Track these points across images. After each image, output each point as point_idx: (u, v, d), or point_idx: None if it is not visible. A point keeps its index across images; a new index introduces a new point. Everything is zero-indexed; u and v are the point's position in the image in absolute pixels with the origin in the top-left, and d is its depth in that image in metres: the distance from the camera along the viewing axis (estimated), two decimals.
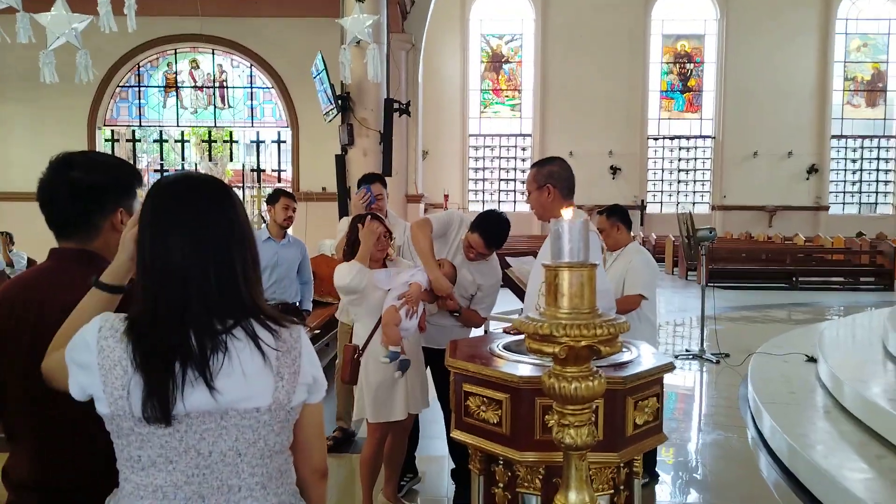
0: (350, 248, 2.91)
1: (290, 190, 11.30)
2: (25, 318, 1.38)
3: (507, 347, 2.25)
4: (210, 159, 13.41)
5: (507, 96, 21.25)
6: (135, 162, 12.63)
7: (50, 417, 1.36)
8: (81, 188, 1.42)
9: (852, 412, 4.02)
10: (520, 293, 3.46)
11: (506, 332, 2.65)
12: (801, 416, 4.27)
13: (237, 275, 1.15)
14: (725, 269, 13.01)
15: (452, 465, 3.36)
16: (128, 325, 1.09)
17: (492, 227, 3.10)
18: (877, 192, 20.42)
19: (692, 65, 20.80)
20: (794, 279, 13.37)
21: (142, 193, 1.47)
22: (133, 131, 12.45)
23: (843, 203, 20.37)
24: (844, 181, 20.37)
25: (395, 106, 8.36)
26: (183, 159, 13.16)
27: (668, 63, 20.84)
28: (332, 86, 8.00)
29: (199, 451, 1.10)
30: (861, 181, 20.41)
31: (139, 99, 12.05)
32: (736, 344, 6.95)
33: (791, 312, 10.26)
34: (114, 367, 1.07)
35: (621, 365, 2.01)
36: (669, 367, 2.10)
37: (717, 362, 6.33)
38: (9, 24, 6.14)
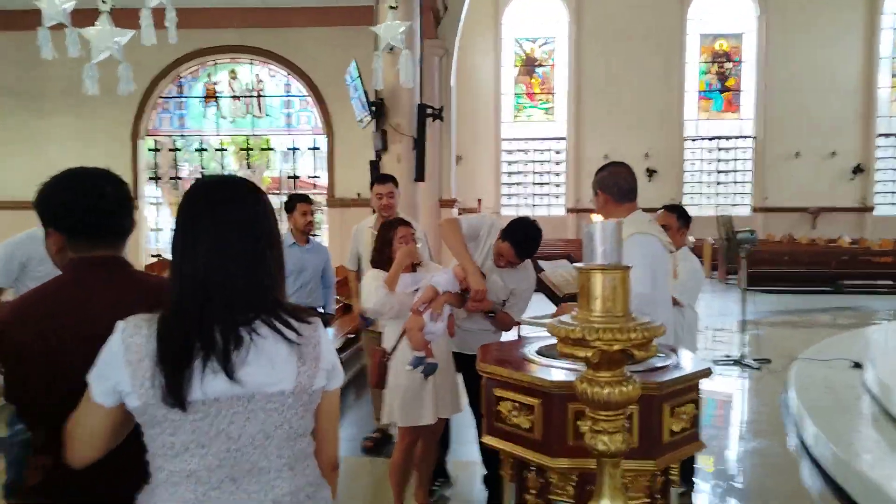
0: (379, 255, 2.94)
1: (316, 194, 11.54)
2: (54, 327, 1.41)
3: (539, 352, 2.24)
4: (249, 167, 13.70)
5: (540, 100, 21.14)
6: (176, 170, 12.98)
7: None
8: (119, 198, 1.53)
9: None
10: (554, 298, 3.43)
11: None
12: (846, 424, 4.14)
13: (261, 273, 1.21)
14: (767, 272, 12.68)
15: (484, 471, 3.35)
16: (158, 320, 1.16)
17: (522, 237, 3.07)
18: None
19: (731, 64, 20.37)
20: (838, 283, 12.95)
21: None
22: (174, 141, 12.79)
23: (892, 203, 19.64)
24: (892, 181, 19.64)
25: (429, 111, 8.40)
26: (223, 167, 13.45)
27: (705, 63, 20.45)
28: (365, 92, 8.08)
29: (229, 435, 1.15)
30: None
31: (180, 109, 12.36)
32: (778, 349, 6.77)
33: (835, 317, 9.95)
34: (141, 361, 1.14)
35: (657, 370, 1.98)
36: (707, 373, 2.06)
37: (759, 368, 6.17)
38: (56, 39, 6.37)
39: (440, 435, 3.14)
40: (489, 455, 3.24)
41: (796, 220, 19.34)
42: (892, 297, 12.30)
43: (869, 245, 15.57)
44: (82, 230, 1.51)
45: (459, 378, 3.16)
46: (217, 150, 13.45)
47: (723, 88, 20.46)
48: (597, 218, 1.50)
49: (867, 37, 19.09)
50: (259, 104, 12.33)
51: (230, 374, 1.14)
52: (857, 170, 19.19)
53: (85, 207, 1.49)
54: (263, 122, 12.46)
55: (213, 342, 1.14)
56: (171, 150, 12.86)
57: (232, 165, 13.88)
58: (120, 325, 1.19)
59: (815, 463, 3.94)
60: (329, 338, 1.30)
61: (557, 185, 20.86)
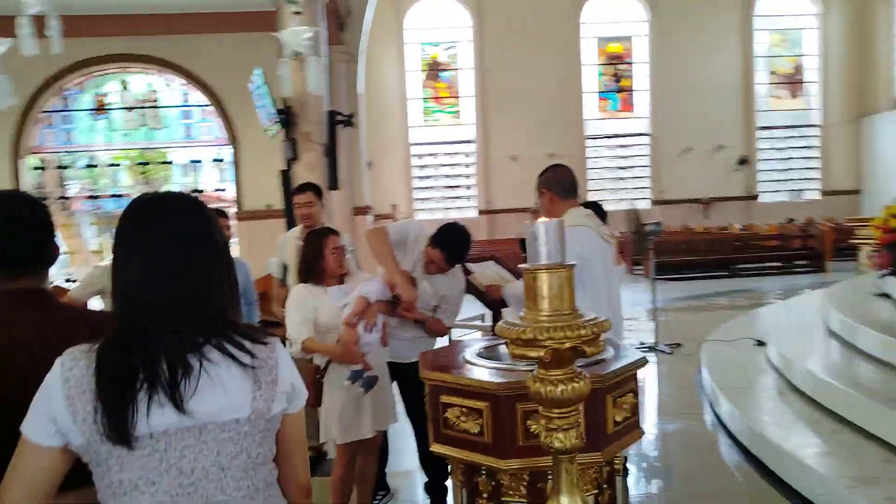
0: (308, 267, 2.82)
1: (224, 208, 11.05)
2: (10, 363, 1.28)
3: (480, 355, 2.24)
4: (146, 182, 12.95)
5: (447, 104, 21.37)
6: (63, 189, 12.07)
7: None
8: (40, 224, 1.41)
9: (804, 391, 4.19)
10: (484, 299, 3.45)
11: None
12: (757, 399, 4.43)
13: (209, 293, 1.13)
14: (668, 261, 13.41)
15: (426, 479, 3.32)
16: (97, 348, 1.08)
17: (452, 243, 3.08)
18: (803, 180, 21.48)
19: (624, 66, 21.42)
20: (732, 267, 13.91)
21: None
22: (61, 157, 11.89)
23: (773, 191, 21.34)
24: (773, 170, 21.35)
25: (339, 118, 8.28)
26: (118, 183, 12.65)
27: (601, 65, 21.39)
28: (273, 101, 7.85)
29: (180, 470, 1.08)
30: (789, 169, 21.43)
31: (66, 123, 11.52)
32: (686, 333, 7.16)
33: (733, 299, 10.66)
34: (82, 394, 1.05)
35: (598, 363, 2.02)
36: (643, 363, 2.13)
37: (671, 352, 6.50)
38: None
39: (379, 447, 3.08)
40: (430, 463, 3.21)
41: (690, 211, 20.61)
42: (781, 277, 13.34)
43: (757, 231, 16.81)
44: (3, 261, 1.38)
45: (394, 387, 3.11)
46: (109, 165, 12.64)
47: (618, 89, 21.49)
48: (541, 218, 1.51)
49: (744, 37, 20.65)
50: (155, 115, 11.71)
51: (178, 405, 1.06)
52: (742, 161, 20.70)
53: (1, 235, 1.36)
54: (161, 135, 11.85)
55: (158, 371, 1.06)
56: (57, 167, 11.96)
57: (126, 181, 13.06)
58: (57, 360, 1.09)
59: (731, 437, 4.18)
60: (288, 358, 1.22)
61: (468, 188, 21.15)
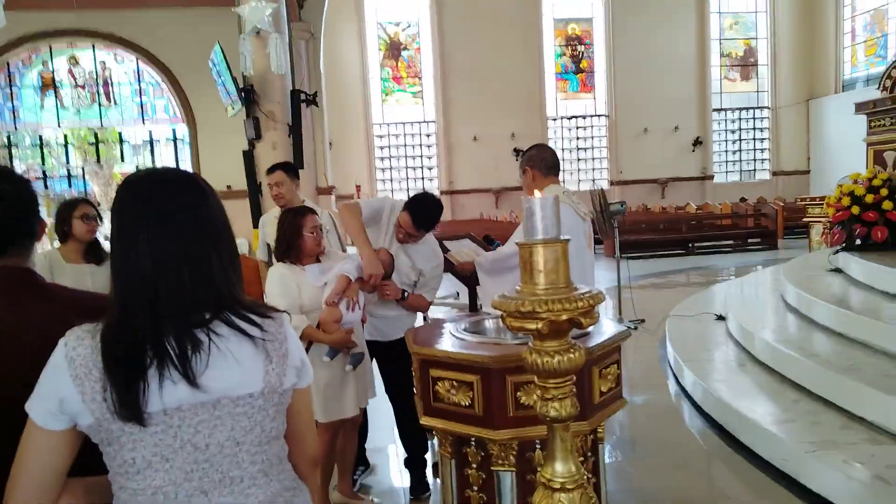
0: (287, 246, 2.77)
1: None
2: None
3: (466, 329, 2.27)
4: (98, 161, 12.50)
5: (408, 83, 21.19)
6: (11, 168, 11.55)
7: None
8: (20, 198, 1.34)
9: (765, 362, 4.37)
10: (461, 277, 3.48)
11: None
12: (719, 370, 4.60)
13: (212, 270, 1.13)
14: (629, 240, 13.70)
15: (405, 455, 3.35)
16: (102, 329, 1.06)
17: (421, 208, 3.09)
18: (755, 160, 22.15)
19: (583, 47, 21.58)
20: (689, 245, 14.30)
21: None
22: (7, 136, 11.36)
23: (727, 172, 21.95)
24: (726, 151, 21.95)
25: (302, 97, 8.14)
26: (67, 163, 12.17)
27: (560, 46, 21.51)
28: (233, 79, 7.65)
29: (195, 446, 1.07)
30: (741, 150, 22.05)
31: (12, 101, 11.00)
32: (648, 309, 7.35)
33: (690, 276, 10.98)
34: (90, 374, 1.03)
35: (584, 336, 2.08)
36: (627, 335, 2.20)
37: (636, 328, 6.68)
38: None
39: (360, 424, 3.09)
40: (410, 438, 3.25)
41: (648, 191, 21.05)
42: (735, 255, 13.79)
43: (712, 210, 17.29)
44: None
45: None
46: (59, 144, 12.15)
47: (577, 70, 21.66)
48: (537, 193, 1.53)
49: (699, 20, 21.04)
50: (107, 93, 11.28)
51: (191, 380, 1.05)
52: (697, 142, 21.21)
53: None
54: (113, 113, 11.43)
55: (167, 347, 1.05)
56: (3, 146, 11.43)
57: (74, 160, 12.58)
58: (61, 341, 1.07)
59: (696, 406, 4.34)
60: (294, 333, 1.22)
61: (430, 169, 21.10)
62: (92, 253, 3.27)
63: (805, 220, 9.77)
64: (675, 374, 5.06)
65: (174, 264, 1.09)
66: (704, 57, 21.15)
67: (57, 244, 3.29)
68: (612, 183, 21.04)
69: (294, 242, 2.74)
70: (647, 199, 20.43)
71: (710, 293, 7.84)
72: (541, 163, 3.00)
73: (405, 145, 21.03)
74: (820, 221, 8.85)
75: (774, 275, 6.78)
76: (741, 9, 21.64)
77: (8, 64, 10.79)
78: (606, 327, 2.22)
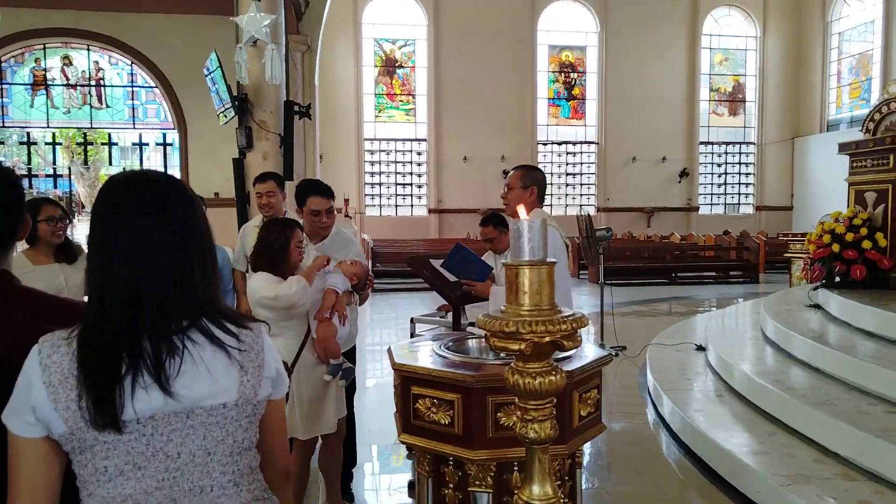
0: (273, 258, 2.70)
1: None
2: None
3: (449, 348, 2.27)
4: (85, 163, 12.40)
5: (401, 101, 21.32)
6: None
7: None
8: (10, 197, 1.28)
9: (743, 394, 4.41)
10: (446, 296, 3.50)
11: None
12: (697, 400, 4.63)
13: (193, 276, 1.12)
14: (613, 266, 13.80)
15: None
16: (78, 334, 1.05)
17: (306, 182, 3.26)
18: (739, 194, 22.49)
19: (576, 74, 21.89)
20: (672, 274, 14.43)
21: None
22: None
23: (711, 204, 22.25)
24: (711, 184, 22.26)
25: (296, 109, 8.16)
26: (54, 162, 12.06)
27: (554, 72, 21.80)
28: (228, 87, 7.66)
29: (167, 454, 1.07)
30: (726, 184, 22.39)
31: (1, 97, 10.92)
32: (630, 337, 7.39)
33: (672, 305, 11.07)
34: (65, 381, 1.02)
35: (565, 359, 2.09)
36: (608, 360, 2.21)
37: (616, 355, 6.70)
38: None
39: (344, 433, 3.05)
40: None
41: (634, 219, 21.25)
42: (717, 286, 13.93)
43: (696, 241, 17.48)
44: None
45: None
46: (47, 143, 12.05)
47: (569, 97, 21.94)
48: (523, 215, 1.55)
49: (689, 54, 21.45)
50: (99, 94, 11.24)
51: (164, 387, 1.04)
52: (683, 174, 21.50)
53: None
54: (103, 115, 11.37)
55: (143, 353, 1.04)
56: None
57: (62, 161, 12.48)
58: (34, 348, 1.05)
59: (673, 435, 4.36)
60: (272, 344, 1.22)
61: (419, 187, 21.16)
62: (63, 251, 3.11)
63: (787, 255, 9.91)
64: (653, 402, 5.08)
65: (155, 271, 1.08)
66: (694, 90, 21.54)
67: (24, 247, 3.14)
68: (598, 209, 21.23)
69: (282, 255, 2.70)
70: (633, 227, 20.62)
71: (691, 323, 7.90)
72: (543, 189, 3.08)
73: (395, 162, 21.10)
74: (801, 257, 8.99)
75: (755, 308, 6.85)
76: (732, 46, 22.12)
77: (0, 60, 10.72)
78: (588, 351, 2.23)
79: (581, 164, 21.75)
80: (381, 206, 20.93)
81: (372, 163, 20.91)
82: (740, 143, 22.31)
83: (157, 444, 1.06)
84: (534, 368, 1.41)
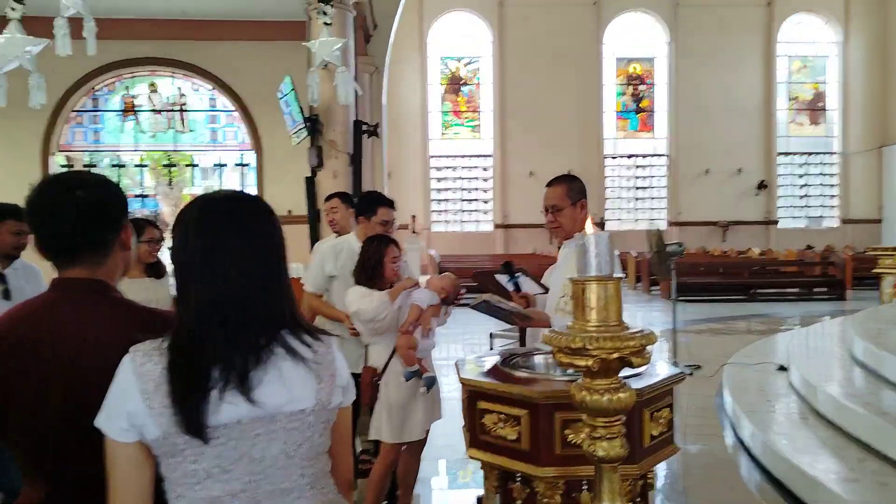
0: (370, 272, 2.90)
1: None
2: (32, 358, 1.28)
3: (515, 364, 2.26)
4: (170, 184, 13.14)
5: (466, 118, 21.51)
6: None
7: (59, 456, 1.29)
8: (91, 206, 1.34)
9: (828, 418, 4.15)
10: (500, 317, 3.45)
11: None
12: (780, 423, 4.39)
13: (275, 290, 1.19)
14: (686, 282, 13.34)
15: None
16: (169, 344, 1.11)
17: (368, 194, 3.43)
18: (822, 207, 21.34)
19: (644, 86, 21.48)
20: (751, 291, 13.80)
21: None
22: (88, 156, 12.10)
23: (792, 217, 21.22)
24: (792, 196, 21.24)
25: (364, 128, 8.37)
26: (142, 184, 12.83)
27: (621, 84, 21.47)
28: (300, 108, 7.96)
29: (251, 458, 1.13)
30: (807, 196, 21.31)
31: (95, 123, 11.73)
32: (705, 355, 7.11)
33: (751, 323, 10.57)
34: (158, 388, 1.08)
35: (635, 376, 2.04)
36: (681, 378, 2.14)
37: (691, 374, 6.46)
38: None
39: (424, 446, 3.11)
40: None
41: (708, 234, 20.52)
42: (800, 304, 13.22)
43: (776, 256, 16.69)
44: (48, 247, 1.35)
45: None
46: (136, 165, 12.85)
47: (638, 109, 21.54)
48: (589, 230, 1.53)
49: (765, 63, 20.66)
50: (182, 119, 11.89)
51: (249, 396, 1.10)
52: (761, 186, 20.62)
53: (42, 220, 1.33)
54: (186, 138, 12.02)
55: (233, 366, 1.11)
56: (85, 166, 12.16)
57: (149, 182, 13.29)
58: (127, 357, 1.12)
59: (754, 459, 4.15)
60: (341, 354, 1.28)
61: (485, 202, 21.22)
62: (152, 268, 3.37)
63: (876, 270, 9.29)
64: (732, 425, 4.85)
65: (240, 286, 1.14)
66: (770, 100, 20.71)
67: None
68: (670, 223, 20.64)
69: (376, 270, 2.86)
70: (707, 242, 19.91)
71: (771, 342, 7.52)
72: (586, 203, 2.86)
73: (461, 178, 21.25)
74: (892, 273, 8.42)
75: (842, 326, 6.46)
76: (810, 52, 21.16)
77: (93, 89, 11.52)
78: (660, 369, 2.17)
79: (651, 177, 21.26)
80: (446, 221, 21.09)
81: (438, 179, 21.14)
82: (822, 154, 21.24)
83: (242, 449, 1.11)
84: (601, 385, 1.39)
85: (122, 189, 1.46)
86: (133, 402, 1.09)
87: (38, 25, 6.24)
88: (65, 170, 11.76)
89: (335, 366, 1.22)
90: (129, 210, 1.44)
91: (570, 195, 2.77)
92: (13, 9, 6.16)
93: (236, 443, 1.11)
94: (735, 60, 20.37)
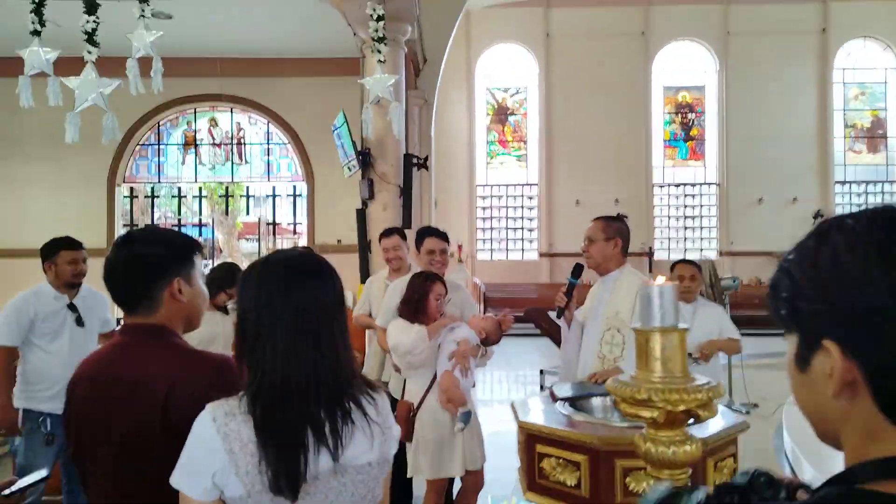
0: (413, 306, 2.97)
1: (304, 243, 11.54)
2: (101, 395, 1.43)
3: (573, 406, 2.27)
4: (226, 213, 13.62)
5: (513, 147, 21.62)
6: (152, 218, 12.82)
7: (127, 493, 1.38)
8: (139, 262, 1.48)
9: None
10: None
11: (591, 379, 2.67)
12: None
13: (340, 348, 1.24)
14: (740, 315, 12.95)
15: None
16: (250, 402, 1.15)
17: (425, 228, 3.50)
18: None
19: (693, 115, 21.21)
20: None
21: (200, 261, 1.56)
22: (152, 188, 12.66)
23: None
24: None
25: (414, 161, 8.54)
26: (200, 214, 13.34)
27: (670, 113, 21.26)
28: (353, 142, 8.20)
29: None
30: None
31: (158, 157, 12.29)
32: (763, 393, 6.90)
33: None
34: (245, 446, 1.13)
35: (697, 425, 2.02)
36: (745, 427, 2.11)
37: (748, 412, 6.27)
38: (37, 87, 6.34)
39: (482, 486, 3.13)
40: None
41: (762, 264, 19.89)
42: None
43: None
44: (113, 298, 1.54)
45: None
46: (195, 197, 13.38)
47: (687, 137, 21.24)
48: (659, 280, 1.55)
49: (820, 90, 20.16)
50: (239, 152, 12.35)
51: (335, 454, 1.17)
52: (818, 215, 19.95)
53: (106, 276, 1.51)
54: (243, 169, 12.47)
55: (321, 425, 1.17)
56: (147, 196, 12.72)
57: (206, 212, 13.83)
58: (206, 415, 1.17)
59: None
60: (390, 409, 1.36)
61: (531, 231, 21.15)
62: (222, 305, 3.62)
63: None
64: (792, 468, 4.69)
65: (316, 345, 1.20)
66: (826, 127, 20.14)
67: None
68: (721, 253, 20.14)
69: (421, 304, 2.93)
70: (761, 273, 19.31)
71: None
72: (626, 242, 2.96)
73: (507, 206, 21.28)
74: None
75: None
76: (868, 79, 20.57)
77: (158, 124, 12.10)
78: (722, 416, 2.14)
79: (700, 206, 20.84)
80: (492, 250, 21.10)
81: (484, 208, 21.23)
82: (882, 182, 20.46)
83: (317, 499, 1.17)
84: (667, 437, 1.40)
85: (181, 244, 1.56)
86: (219, 462, 1.12)
87: (107, 65, 6.63)
88: (126, 200, 12.36)
89: (390, 420, 1.29)
90: (182, 263, 1.52)
91: (606, 231, 2.96)
92: (89, 52, 6.58)
93: (312, 497, 1.16)
94: (788, 88, 19.94)
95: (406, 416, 2.88)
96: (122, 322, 1.58)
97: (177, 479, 1.13)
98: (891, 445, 0.60)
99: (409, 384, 3.01)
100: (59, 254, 3.28)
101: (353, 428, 1.19)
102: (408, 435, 2.88)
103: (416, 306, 2.95)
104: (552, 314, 3.64)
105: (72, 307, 3.28)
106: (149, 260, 1.47)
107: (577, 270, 3.07)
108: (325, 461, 1.16)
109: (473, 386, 3.03)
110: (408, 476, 3.06)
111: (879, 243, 0.68)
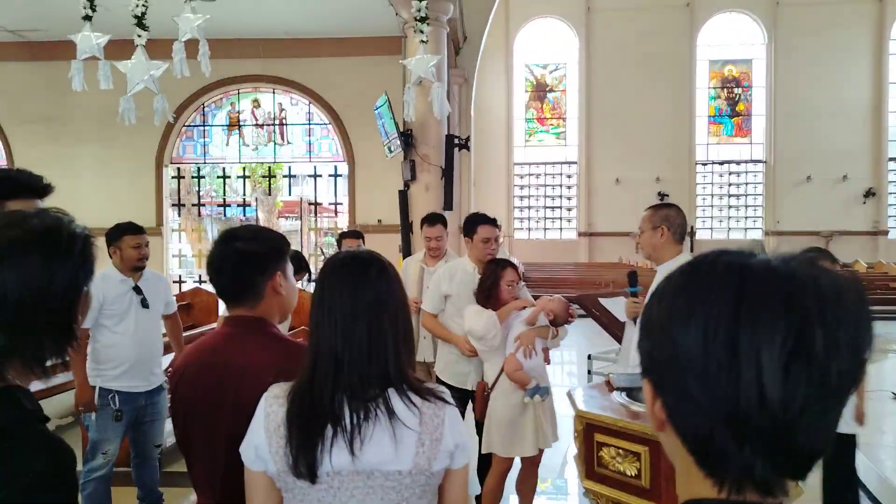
0: (487, 292, 3.04)
1: (348, 227, 11.69)
2: (207, 383, 1.51)
3: (632, 396, 2.29)
4: (269, 193, 13.88)
5: (551, 124, 21.35)
6: (199, 198, 13.12)
7: (228, 476, 1.47)
8: (246, 258, 1.56)
9: None
10: (615, 335, 3.50)
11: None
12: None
13: (386, 347, 1.24)
14: None
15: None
16: (290, 393, 1.23)
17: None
18: None
19: (740, 89, 20.59)
20: None
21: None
22: (198, 168, 12.94)
23: None
24: None
25: (456, 141, 8.52)
26: (244, 193, 13.62)
27: (715, 88, 20.67)
28: (395, 123, 8.21)
29: None
30: None
31: (204, 137, 12.53)
32: None
33: None
34: (278, 429, 1.20)
35: None
36: None
37: None
38: (88, 69, 6.50)
39: (540, 461, 3.19)
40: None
41: (808, 243, 19.22)
42: None
43: (886, 270, 15.56)
44: (217, 292, 1.62)
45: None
46: (239, 177, 13.66)
47: (732, 113, 20.66)
48: None
49: (875, 62, 19.32)
50: (281, 132, 12.51)
51: (353, 450, 1.18)
52: (869, 193, 19.28)
53: (211, 272, 1.60)
54: (285, 150, 12.62)
55: (342, 417, 1.19)
56: (193, 177, 13.03)
57: (248, 191, 14.13)
58: (266, 394, 1.26)
59: (869, 495, 3.94)
60: (458, 419, 1.28)
61: (569, 210, 20.97)
62: None
63: None
64: None
65: (357, 339, 1.22)
66: (881, 102, 19.32)
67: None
68: (766, 233, 19.66)
69: (492, 290, 3.00)
70: None
71: (883, 367, 7.07)
72: (677, 228, 2.85)
73: (545, 185, 21.10)
74: None
75: None
76: None
77: (203, 105, 12.31)
78: None
79: (746, 184, 20.33)
80: (529, 229, 21.00)
81: (522, 186, 21.09)
82: None
83: (342, 498, 1.20)
84: None
85: (277, 241, 1.64)
86: (259, 437, 1.22)
87: (154, 47, 6.77)
88: (174, 181, 12.67)
89: (442, 430, 1.22)
90: (281, 259, 1.60)
91: (653, 220, 2.88)
92: (139, 35, 6.71)
93: (336, 492, 1.20)
94: (840, 60, 19.14)
95: (481, 395, 3.00)
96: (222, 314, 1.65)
97: (242, 446, 1.25)
98: (699, 488, 0.62)
99: (485, 366, 3.11)
100: (124, 238, 3.41)
101: (376, 429, 1.19)
102: (483, 413, 2.99)
103: (488, 292, 3.03)
104: (604, 301, 3.65)
105: (137, 290, 3.42)
106: (254, 256, 1.56)
107: (632, 278, 3.00)
108: (344, 457, 1.17)
109: (548, 363, 3.08)
110: (483, 451, 3.12)
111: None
